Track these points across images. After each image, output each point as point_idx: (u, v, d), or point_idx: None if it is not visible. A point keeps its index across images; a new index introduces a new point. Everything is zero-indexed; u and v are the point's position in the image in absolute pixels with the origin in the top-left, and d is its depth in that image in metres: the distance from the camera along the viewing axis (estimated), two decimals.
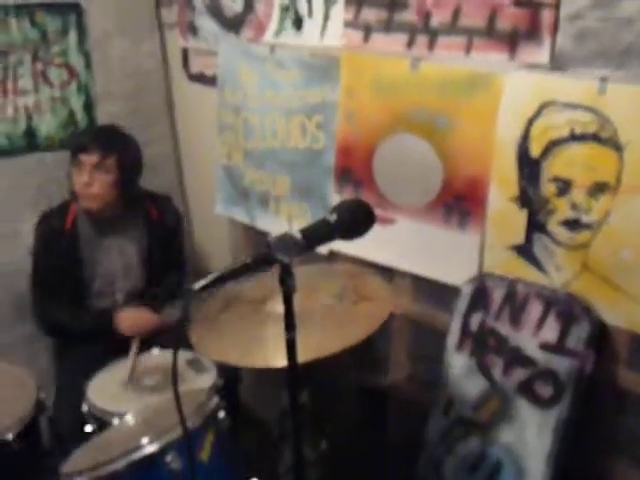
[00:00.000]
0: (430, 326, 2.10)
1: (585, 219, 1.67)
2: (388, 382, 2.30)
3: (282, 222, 2.38)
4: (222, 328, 1.71)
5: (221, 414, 1.82)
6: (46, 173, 2.58)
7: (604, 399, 1.75)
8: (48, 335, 2.52)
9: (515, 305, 1.80)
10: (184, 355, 2.13)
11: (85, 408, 2.01)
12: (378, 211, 1.40)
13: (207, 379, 2.07)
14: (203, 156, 2.81)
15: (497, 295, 1.84)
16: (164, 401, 1.88)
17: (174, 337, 1.43)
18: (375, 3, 1.98)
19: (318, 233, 1.22)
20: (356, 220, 1.27)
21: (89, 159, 2.32)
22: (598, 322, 1.68)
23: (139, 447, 1.61)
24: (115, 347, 2.32)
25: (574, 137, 1.64)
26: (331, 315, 1.67)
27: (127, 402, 2.00)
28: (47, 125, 2.57)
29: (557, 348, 1.71)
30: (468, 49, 1.80)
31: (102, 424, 1.95)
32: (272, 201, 2.43)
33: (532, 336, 1.76)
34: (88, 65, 2.62)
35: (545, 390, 1.72)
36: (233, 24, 2.43)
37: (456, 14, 1.81)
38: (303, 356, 1.27)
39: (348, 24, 2.06)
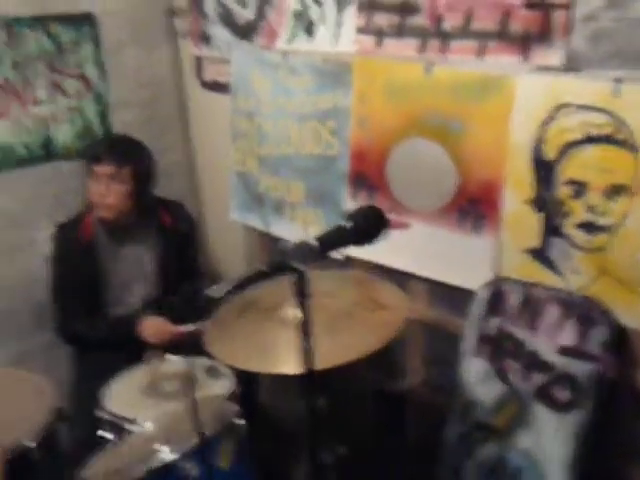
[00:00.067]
0: (445, 330, 2.09)
1: (601, 222, 1.65)
2: (405, 386, 2.29)
3: (297, 228, 2.38)
4: (237, 333, 1.71)
5: (239, 420, 1.82)
6: (63, 182, 2.61)
7: (623, 403, 1.73)
8: (68, 344, 2.54)
9: (532, 309, 1.78)
10: (201, 362, 2.13)
11: (102, 415, 2.02)
12: (392, 216, 1.41)
13: (224, 386, 2.07)
14: (217, 163, 2.83)
15: (513, 299, 1.83)
16: (182, 408, 1.89)
17: (190, 344, 1.44)
18: (387, 8, 1.99)
19: (333, 239, 1.23)
20: (371, 226, 1.27)
21: (104, 170, 2.35)
22: (616, 325, 1.66)
23: (157, 454, 1.61)
24: (132, 354, 2.33)
25: (589, 139, 1.63)
26: (347, 322, 1.67)
27: (144, 409, 2.01)
28: (64, 135, 2.59)
29: (575, 352, 1.69)
30: (481, 52, 1.80)
31: (120, 431, 1.96)
32: (287, 207, 2.43)
33: (549, 340, 1.74)
34: (103, 75, 2.64)
35: (563, 395, 1.71)
36: (245, 32, 2.44)
37: (468, 18, 1.81)
38: (319, 364, 1.26)
39: (360, 29, 2.06)
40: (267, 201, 2.50)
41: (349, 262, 2.19)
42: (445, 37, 1.86)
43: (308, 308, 1.20)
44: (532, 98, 1.71)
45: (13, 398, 2.09)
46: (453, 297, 2.03)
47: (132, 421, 1.95)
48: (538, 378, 1.76)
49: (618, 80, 1.56)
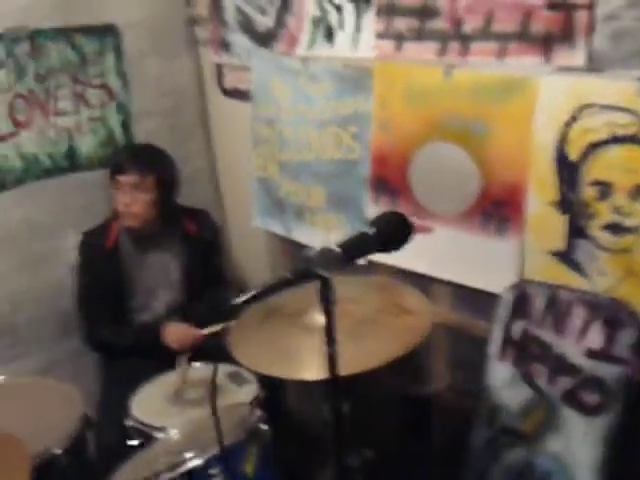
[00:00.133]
0: (469, 334, 2.08)
1: (627, 223, 1.63)
2: (430, 390, 2.28)
3: (318, 233, 2.39)
4: (261, 339, 1.72)
5: (264, 427, 1.82)
6: (87, 192, 2.64)
7: None
8: (95, 351, 2.57)
9: (558, 312, 1.77)
10: (225, 368, 2.14)
11: (129, 423, 2.03)
12: (415, 220, 1.40)
13: (249, 392, 2.08)
14: (239, 169, 2.84)
15: (539, 302, 1.81)
16: (207, 415, 1.90)
17: (214, 347, 1.44)
18: (406, 12, 1.98)
19: (357, 246, 1.22)
20: (395, 233, 1.27)
21: (128, 180, 2.37)
22: None
23: (183, 461, 1.62)
24: (158, 362, 2.35)
25: (614, 139, 1.61)
26: (371, 328, 1.67)
27: (171, 416, 2.02)
28: (87, 145, 2.62)
29: (603, 355, 1.67)
30: (502, 54, 1.79)
31: (146, 438, 1.97)
32: (307, 213, 2.44)
33: (577, 343, 1.72)
34: (125, 85, 2.67)
35: (591, 398, 1.69)
36: (265, 39, 2.45)
37: (488, 20, 1.80)
38: (343, 370, 1.26)
39: (379, 34, 2.06)
40: (288, 207, 2.51)
41: (372, 267, 2.18)
42: (465, 40, 1.86)
43: (333, 314, 1.20)
44: (555, 99, 1.69)
45: (41, 406, 2.11)
46: (477, 300, 2.02)
47: (158, 428, 1.96)
48: (565, 382, 1.74)
49: None
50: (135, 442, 1.98)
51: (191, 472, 1.62)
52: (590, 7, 1.59)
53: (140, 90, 2.71)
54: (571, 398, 1.73)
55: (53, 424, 2.00)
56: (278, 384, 2.31)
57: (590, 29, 1.61)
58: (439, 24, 1.91)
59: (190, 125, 2.88)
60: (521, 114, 1.76)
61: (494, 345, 1.90)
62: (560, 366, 1.75)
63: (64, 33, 2.49)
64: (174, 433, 1.91)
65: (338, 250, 1.19)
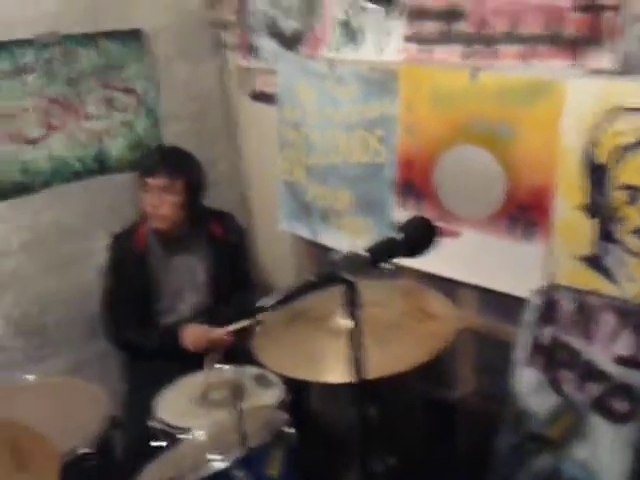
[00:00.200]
0: (496, 339, 2.06)
1: None
2: (456, 395, 2.26)
3: (345, 237, 2.39)
4: (287, 342, 1.72)
5: (289, 430, 1.83)
6: (116, 194, 2.67)
7: None
8: (119, 351, 2.60)
9: (586, 317, 1.74)
10: (251, 371, 2.15)
11: (154, 423, 2.05)
12: (441, 224, 1.40)
13: (274, 394, 2.08)
14: (265, 173, 2.85)
15: (567, 307, 1.79)
16: (233, 417, 1.91)
17: (242, 353, 1.45)
18: (432, 15, 1.98)
19: (383, 251, 1.22)
20: (422, 238, 1.26)
21: (157, 183, 2.40)
22: None
23: (208, 463, 1.63)
24: (184, 363, 2.36)
25: None
26: (396, 333, 1.66)
27: (196, 418, 2.03)
28: (116, 148, 2.65)
29: (632, 362, 1.65)
30: (529, 57, 1.77)
31: (171, 439, 1.99)
32: (334, 216, 2.44)
33: (605, 350, 1.70)
34: (153, 89, 2.70)
35: (621, 405, 1.66)
36: (291, 42, 2.46)
37: (515, 22, 1.79)
38: (368, 374, 1.26)
39: (406, 37, 2.06)
40: (315, 210, 2.51)
41: (398, 270, 2.17)
42: (491, 42, 1.84)
43: (358, 318, 1.20)
44: (583, 102, 1.67)
45: (69, 406, 2.14)
46: (503, 305, 2.00)
47: (184, 429, 1.97)
48: (594, 389, 1.72)
49: None
50: (160, 443, 2.00)
51: (216, 474, 1.63)
52: (619, 8, 1.57)
53: (168, 94, 2.74)
54: (600, 405, 1.71)
55: (80, 424, 2.03)
56: (303, 387, 2.31)
57: (619, 31, 1.59)
58: (465, 27, 1.90)
59: (217, 128, 2.90)
60: (548, 117, 1.75)
61: (521, 350, 1.88)
62: (589, 373, 1.73)
63: (93, 38, 2.52)
64: (199, 434, 1.92)
65: (365, 254, 1.19)
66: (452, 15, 1.92)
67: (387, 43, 2.13)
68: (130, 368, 2.59)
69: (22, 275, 2.49)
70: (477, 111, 1.90)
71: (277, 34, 2.53)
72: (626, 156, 1.63)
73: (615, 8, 1.58)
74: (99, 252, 2.59)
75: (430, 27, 1.99)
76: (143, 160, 2.58)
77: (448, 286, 2.05)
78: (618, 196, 1.67)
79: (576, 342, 1.77)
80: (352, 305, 1.20)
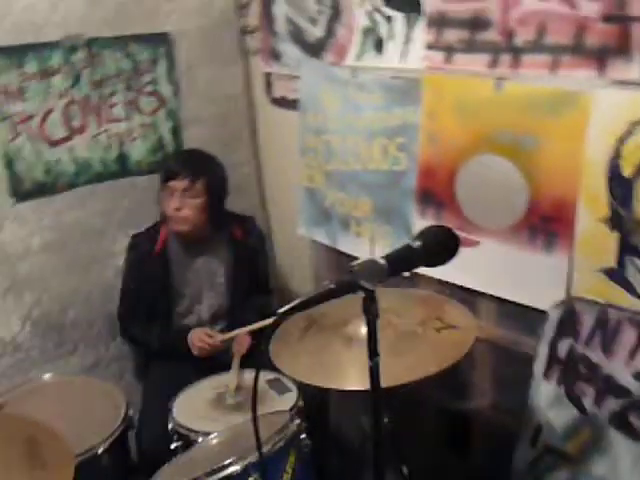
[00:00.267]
0: (514, 350, 2.04)
1: None
2: (472, 406, 2.24)
3: (364, 244, 2.38)
4: (303, 348, 1.72)
5: (303, 436, 1.82)
6: (136, 196, 2.68)
7: None
8: (129, 344, 2.64)
9: (607, 331, 1.72)
10: (266, 376, 2.15)
11: (170, 425, 2.05)
12: (461, 233, 1.38)
13: (288, 400, 2.08)
14: (285, 178, 2.86)
15: (587, 320, 1.77)
16: (247, 421, 1.90)
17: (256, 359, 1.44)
18: (457, 23, 1.97)
19: (402, 259, 1.21)
20: (441, 248, 1.25)
21: (179, 185, 2.41)
22: None
23: (222, 467, 1.63)
24: (200, 366, 2.37)
25: None
26: (413, 342, 1.66)
27: (211, 421, 2.04)
28: (138, 150, 2.67)
29: None
30: (554, 67, 1.76)
31: (186, 441, 1.99)
32: (353, 223, 2.43)
33: (626, 364, 1.67)
34: (176, 92, 2.72)
35: None
36: (315, 49, 2.47)
37: (541, 31, 1.77)
38: (385, 382, 1.25)
39: (429, 45, 2.05)
40: (334, 216, 2.51)
41: (416, 279, 2.17)
42: (517, 52, 1.83)
43: (375, 327, 1.19)
44: (609, 113, 1.65)
45: (85, 405, 2.16)
46: (522, 317, 1.98)
47: (199, 432, 1.98)
48: (613, 403, 1.69)
49: None
50: (175, 445, 2.00)
51: (230, 478, 1.63)
52: None
53: (190, 97, 2.75)
54: (619, 421, 1.68)
55: (96, 423, 2.04)
56: (319, 394, 2.30)
57: None
58: (490, 36, 1.89)
59: (238, 133, 2.91)
60: (573, 128, 1.73)
61: (539, 363, 1.86)
62: (608, 387, 1.71)
63: (119, 41, 2.55)
64: (214, 438, 1.93)
65: (383, 262, 1.18)
66: (477, 23, 1.91)
67: (410, 51, 2.13)
68: (147, 369, 2.60)
69: (43, 275, 2.52)
70: (501, 121, 1.89)
71: (301, 40, 2.54)
72: None
73: None
74: (119, 253, 2.61)
75: (454, 35, 1.98)
76: (165, 162, 2.60)
77: (466, 296, 2.03)
78: None
79: (596, 356, 1.74)
80: (370, 313, 1.19)
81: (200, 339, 2.39)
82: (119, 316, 2.58)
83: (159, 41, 2.64)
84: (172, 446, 2.00)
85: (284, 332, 1.74)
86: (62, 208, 2.53)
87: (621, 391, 1.68)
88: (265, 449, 1.64)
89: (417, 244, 1.23)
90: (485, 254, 2.00)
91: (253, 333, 2.40)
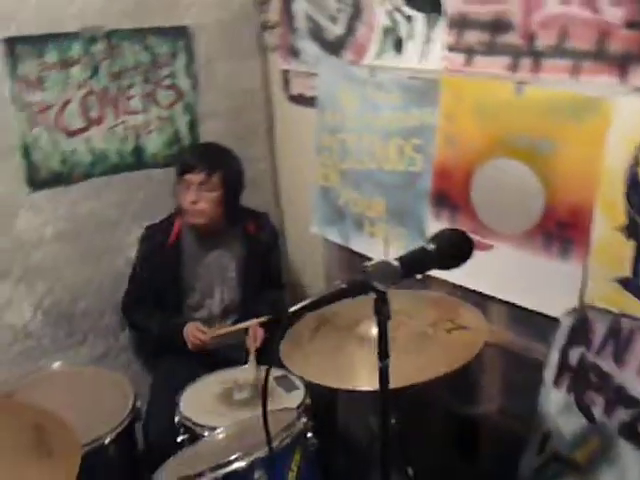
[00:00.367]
0: (524, 356, 2.02)
1: None
2: (480, 411, 2.23)
3: (377, 244, 2.37)
4: (313, 348, 1.72)
5: (310, 434, 1.82)
6: (151, 189, 2.69)
7: None
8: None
9: (619, 341, 1.70)
10: (274, 372, 2.15)
11: (177, 419, 2.06)
12: (475, 237, 1.37)
13: (296, 398, 2.08)
14: (299, 175, 2.85)
15: (600, 329, 1.75)
16: (254, 417, 1.91)
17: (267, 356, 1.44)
18: (478, 25, 1.95)
19: (415, 262, 1.21)
20: (455, 251, 1.24)
21: (195, 178, 2.42)
22: None
23: (228, 462, 1.63)
24: (209, 360, 2.37)
25: None
26: (424, 342, 1.65)
27: (218, 416, 2.04)
28: (154, 143, 2.68)
29: None
30: (575, 72, 1.74)
31: (193, 435, 2.00)
32: (367, 223, 2.42)
33: (638, 374, 1.66)
34: (194, 86, 2.72)
35: None
36: (334, 47, 2.46)
37: (563, 36, 1.76)
38: (394, 383, 1.25)
39: (449, 47, 2.04)
40: (348, 216, 2.50)
41: (427, 281, 2.16)
42: (538, 56, 1.82)
43: (387, 329, 1.19)
44: (630, 120, 1.63)
45: (93, 395, 2.17)
46: (534, 323, 1.96)
47: (205, 427, 1.98)
48: (623, 414, 1.68)
49: None
50: (181, 438, 2.01)
51: (235, 473, 1.63)
52: None
53: (208, 92, 2.75)
54: (629, 431, 1.66)
55: (103, 414, 2.05)
56: (327, 393, 2.30)
57: None
58: (511, 39, 1.87)
59: (254, 128, 2.91)
60: (593, 134, 1.71)
61: (550, 370, 1.85)
62: (619, 397, 1.69)
63: (139, 34, 2.55)
64: (220, 432, 1.93)
65: (396, 264, 1.17)
66: (498, 26, 1.90)
67: (430, 52, 2.12)
68: (156, 361, 2.61)
69: (55, 264, 2.53)
70: (520, 125, 1.87)
71: (320, 38, 2.53)
72: None
73: None
74: (132, 245, 2.62)
75: (475, 37, 1.96)
76: (182, 155, 2.61)
77: (478, 300, 2.02)
78: None
79: (607, 365, 1.73)
80: (381, 315, 1.18)
81: (192, 334, 2.39)
82: (123, 302, 2.59)
83: (178, 34, 2.64)
84: (178, 439, 2.00)
85: (294, 331, 1.74)
86: (77, 198, 2.55)
87: (632, 402, 1.66)
88: (271, 446, 1.64)
89: (431, 247, 1.22)
90: (498, 259, 1.99)
91: (265, 326, 2.41)
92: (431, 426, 2.34)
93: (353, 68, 2.36)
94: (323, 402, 2.16)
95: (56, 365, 2.35)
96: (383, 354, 1.19)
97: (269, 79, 2.90)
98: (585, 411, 1.76)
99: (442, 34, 2.06)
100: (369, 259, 2.33)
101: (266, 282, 2.62)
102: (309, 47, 2.59)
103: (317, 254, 2.79)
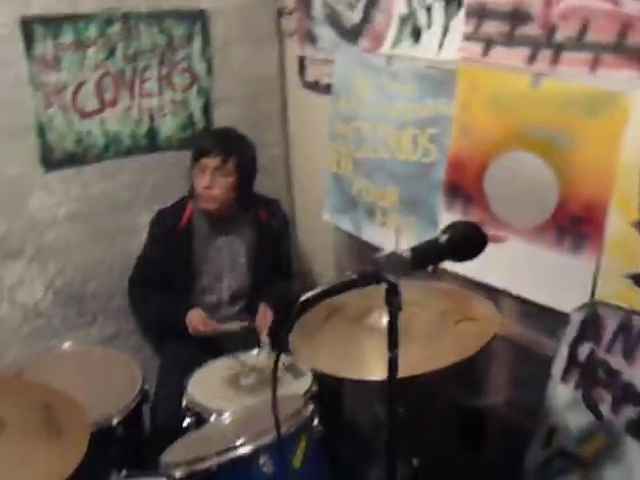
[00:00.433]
0: (533, 351, 2.02)
1: None
2: (486, 403, 2.23)
3: (388, 234, 2.36)
4: (322, 337, 1.72)
5: (316, 421, 1.83)
6: (164, 172, 2.69)
7: None
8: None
9: (630, 337, 1.69)
10: (282, 359, 2.15)
11: (184, 402, 2.07)
12: (487, 229, 1.36)
13: (303, 385, 2.09)
14: (312, 162, 2.85)
15: (610, 325, 1.74)
16: (261, 403, 1.92)
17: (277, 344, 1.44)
18: (497, 15, 1.93)
19: (428, 253, 1.20)
20: (468, 245, 1.23)
21: (211, 162, 2.42)
22: None
23: (234, 447, 1.64)
24: (217, 345, 2.38)
25: None
26: (434, 333, 1.65)
27: (225, 400, 2.05)
28: (167, 126, 2.68)
29: None
30: (594, 66, 1.72)
31: (200, 419, 2.01)
32: (379, 212, 2.42)
33: None
34: (209, 70, 2.71)
35: None
36: (351, 34, 2.44)
37: (584, 28, 1.73)
38: (402, 372, 1.24)
39: (467, 36, 2.02)
40: (360, 204, 2.50)
41: (438, 272, 2.15)
42: (557, 48, 1.79)
43: (397, 320, 1.19)
44: None
45: (103, 376, 2.18)
46: (544, 318, 1.96)
47: (212, 411, 1.99)
48: (631, 411, 1.67)
49: None
50: (188, 421, 2.02)
51: (241, 458, 1.64)
52: None
53: (223, 76, 2.75)
54: (636, 429, 1.66)
55: (112, 394, 2.06)
56: (334, 382, 2.31)
57: None
58: (531, 30, 1.85)
59: (269, 114, 2.91)
60: (610, 129, 1.69)
61: (558, 365, 1.84)
62: (627, 394, 1.68)
63: (155, 16, 2.54)
64: (227, 417, 1.94)
65: (407, 255, 1.16)
66: (517, 16, 1.87)
67: (447, 41, 2.09)
68: (164, 344, 2.62)
69: (67, 245, 2.54)
70: (536, 117, 1.85)
71: (337, 25, 2.51)
72: None
73: None
74: (144, 227, 2.62)
75: (493, 27, 1.94)
76: (197, 140, 2.61)
77: (488, 293, 2.01)
78: None
79: (616, 362, 1.72)
80: (392, 306, 1.18)
81: (194, 323, 2.40)
82: (129, 281, 2.60)
83: (195, 17, 2.63)
84: (185, 423, 2.02)
85: (304, 321, 1.74)
86: (90, 180, 2.55)
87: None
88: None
89: (444, 238, 1.21)
90: (510, 252, 1.98)
91: (275, 304, 2.41)
92: (437, 417, 2.34)
93: (369, 56, 2.35)
94: (329, 389, 2.17)
95: (66, 345, 2.37)
96: (393, 345, 1.19)
97: (285, 65, 2.89)
98: (592, 407, 1.75)
99: (460, 24, 2.03)
100: (379, 248, 2.34)
101: (275, 270, 2.62)
102: (326, 34, 2.57)
103: (327, 242, 2.79)
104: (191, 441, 1.88)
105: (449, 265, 2.10)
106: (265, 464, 1.65)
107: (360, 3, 2.39)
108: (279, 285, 2.59)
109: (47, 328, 2.54)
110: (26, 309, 2.49)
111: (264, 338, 2.30)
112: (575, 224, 1.81)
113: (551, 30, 1.80)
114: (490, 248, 1.55)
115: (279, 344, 1.97)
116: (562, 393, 1.83)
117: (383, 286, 1.17)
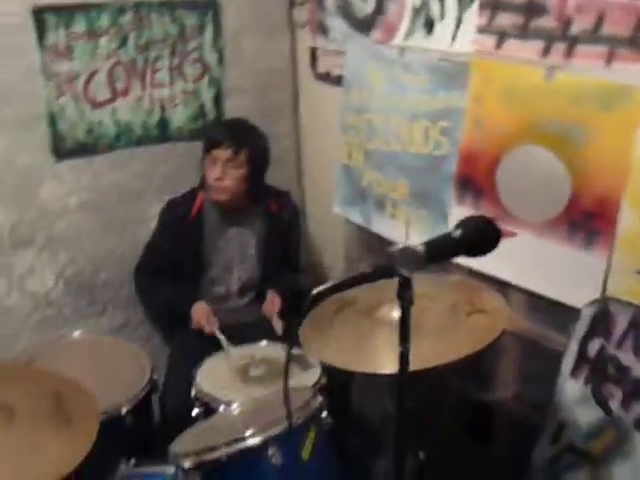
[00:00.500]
0: (542, 346, 2.01)
1: None
2: (494, 397, 2.23)
3: (398, 227, 2.35)
4: (332, 330, 1.72)
5: (325, 413, 1.83)
6: (174, 162, 2.69)
7: None
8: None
9: None
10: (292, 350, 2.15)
11: (193, 392, 2.08)
12: (498, 223, 1.35)
13: (312, 376, 2.09)
14: (323, 154, 2.84)
15: (621, 321, 1.73)
16: (270, 394, 1.92)
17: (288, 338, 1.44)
18: (511, 7, 1.92)
19: (441, 248, 1.19)
20: (482, 239, 1.23)
21: (223, 154, 2.41)
22: None
23: (242, 438, 1.64)
24: (227, 336, 2.38)
25: None
26: (444, 326, 1.64)
27: (234, 391, 2.06)
28: (179, 117, 2.67)
29: None
30: (609, 59, 1.70)
31: (208, 409, 2.01)
32: (389, 205, 2.41)
33: None
34: (221, 60, 2.70)
35: None
36: (363, 25, 2.43)
37: (599, 21, 1.71)
38: (413, 366, 1.24)
39: (481, 29, 2.00)
40: (370, 197, 2.49)
41: (447, 265, 2.14)
42: (571, 41, 1.78)
43: (409, 314, 1.18)
44: None
45: (112, 365, 2.19)
46: (554, 313, 1.95)
47: (221, 401, 2.00)
48: None
49: None
50: (197, 411, 2.03)
51: (250, 449, 1.65)
52: None
53: (234, 67, 2.74)
54: None
55: (121, 383, 2.07)
56: (343, 374, 2.31)
57: None
58: (545, 22, 1.83)
59: (280, 105, 2.90)
60: (625, 124, 1.68)
61: (568, 360, 1.84)
62: (637, 391, 1.68)
63: (168, 6, 2.54)
64: (235, 408, 1.94)
65: (421, 249, 1.16)
66: (532, 9, 1.86)
67: (461, 33, 2.08)
68: (173, 334, 2.63)
69: (78, 234, 2.55)
70: (549, 111, 1.84)
71: (349, 16, 2.50)
72: None
73: None
74: (154, 217, 2.62)
75: (507, 20, 1.93)
76: (209, 131, 2.60)
77: (498, 287, 2.01)
78: None
79: (627, 358, 1.71)
80: (405, 300, 1.17)
81: (200, 315, 2.41)
82: (136, 269, 2.60)
83: (207, 7, 2.62)
84: (193, 413, 2.02)
85: (315, 314, 1.74)
86: (101, 169, 2.56)
87: None
88: (286, 423, 1.65)
89: (457, 233, 1.20)
90: (521, 246, 1.97)
91: (283, 295, 2.42)
92: (445, 411, 2.34)
93: (382, 47, 2.34)
94: (338, 382, 2.17)
95: (76, 334, 2.38)
96: (404, 339, 1.19)
97: (296, 56, 2.88)
98: (602, 403, 1.75)
99: (474, 16, 2.02)
100: (390, 240, 2.33)
101: (285, 262, 2.62)
102: (338, 25, 2.56)
103: (338, 234, 2.78)
104: (200, 431, 1.88)
105: (459, 258, 2.09)
106: (274, 455, 1.65)
107: None
108: (287, 277, 2.59)
109: (57, 317, 2.56)
110: (36, 298, 2.51)
111: (276, 322, 2.30)
112: (587, 219, 1.80)
113: (566, 23, 1.78)
114: (501, 242, 1.54)
115: (291, 335, 1.96)
116: (571, 389, 1.82)
117: (395, 280, 1.16)
